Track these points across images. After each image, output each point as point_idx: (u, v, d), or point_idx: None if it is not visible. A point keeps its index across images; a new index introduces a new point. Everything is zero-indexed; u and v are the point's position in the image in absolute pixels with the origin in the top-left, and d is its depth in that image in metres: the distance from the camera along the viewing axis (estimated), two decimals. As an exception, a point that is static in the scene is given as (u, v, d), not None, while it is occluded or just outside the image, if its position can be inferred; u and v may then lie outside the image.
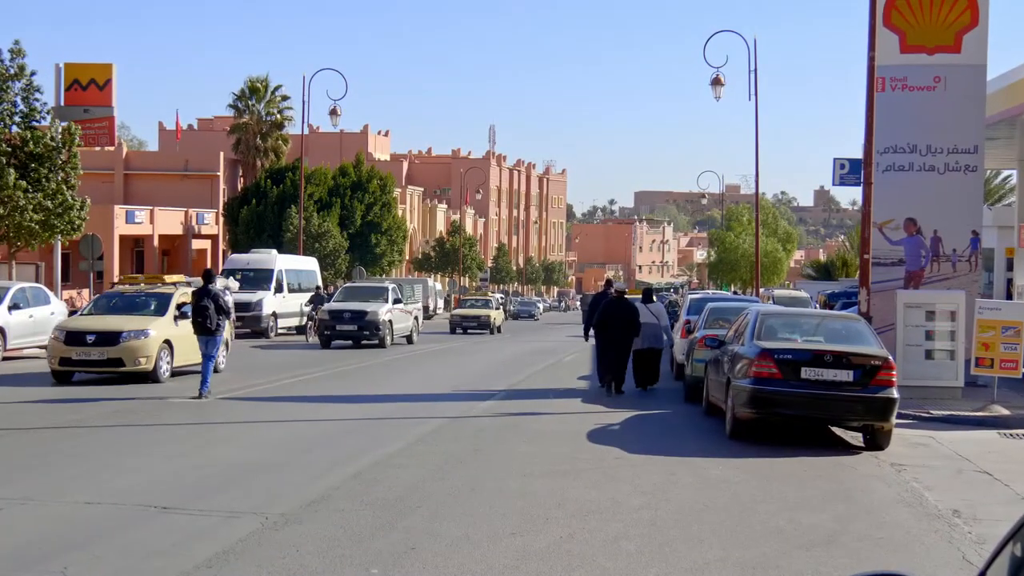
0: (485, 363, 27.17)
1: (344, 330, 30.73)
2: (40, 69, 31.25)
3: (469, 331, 44.61)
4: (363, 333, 30.68)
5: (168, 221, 55.07)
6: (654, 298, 21.19)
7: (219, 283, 21.85)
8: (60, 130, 30.06)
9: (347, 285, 35.87)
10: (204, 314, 17.38)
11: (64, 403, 16.16)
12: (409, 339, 33.68)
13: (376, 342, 30.80)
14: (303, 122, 43.04)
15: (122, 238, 51.27)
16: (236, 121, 61.25)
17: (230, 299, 19.73)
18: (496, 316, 46.16)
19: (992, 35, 19.57)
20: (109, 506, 8.97)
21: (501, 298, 75.36)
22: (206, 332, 17.42)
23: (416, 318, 35.07)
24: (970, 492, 10.66)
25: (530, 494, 9.78)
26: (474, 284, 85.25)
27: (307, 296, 37.51)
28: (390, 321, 31.47)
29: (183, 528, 8.24)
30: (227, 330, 20.11)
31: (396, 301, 32.74)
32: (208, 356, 17.39)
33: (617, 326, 18.81)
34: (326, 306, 32.05)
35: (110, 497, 9.30)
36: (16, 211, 28.49)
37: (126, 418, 14.65)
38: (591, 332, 20.72)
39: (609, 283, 21.83)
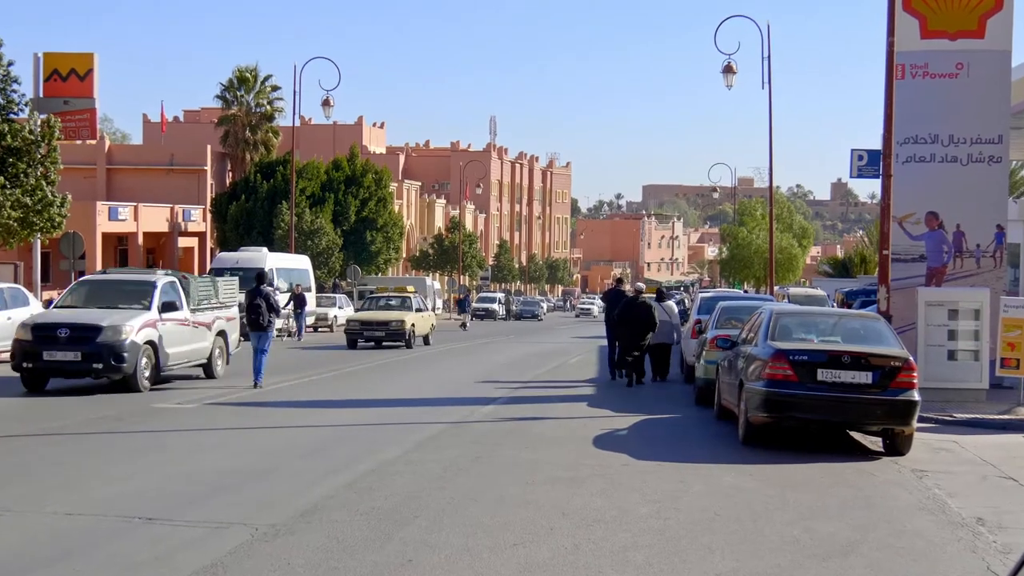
0: (487, 366, 26.89)
1: (56, 360, 17.59)
2: (19, 60, 30.55)
3: (384, 344, 32.17)
4: (91, 365, 17.55)
5: (153, 218, 54.52)
6: (666, 298, 23.30)
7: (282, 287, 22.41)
8: (39, 123, 29.39)
9: (86, 278, 21.30)
10: (257, 312, 19.35)
11: (48, 409, 15.88)
12: (207, 371, 20.51)
13: (119, 378, 17.79)
14: (294, 114, 42.71)
15: (105, 236, 50.82)
16: (224, 113, 60.96)
17: (280, 298, 20.39)
18: (417, 322, 33.11)
19: (1017, 19, 19.31)
20: (91, 517, 8.77)
21: (503, 297, 75.21)
22: (259, 328, 19.37)
23: (222, 333, 21.17)
24: (995, 499, 10.51)
25: (533, 503, 9.59)
26: (475, 283, 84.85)
27: (285, 297, 34.12)
28: (150, 343, 18.19)
29: (168, 539, 8.05)
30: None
31: (169, 307, 19.02)
32: (261, 350, 19.21)
33: (636, 324, 20.46)
34: (30, 318, 19.35)
35: (92, 507, 9.11)
36: (-7, 208, 27.87)
37: (110, 425, 14.34)
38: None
39: (620, 281, 24.28)
